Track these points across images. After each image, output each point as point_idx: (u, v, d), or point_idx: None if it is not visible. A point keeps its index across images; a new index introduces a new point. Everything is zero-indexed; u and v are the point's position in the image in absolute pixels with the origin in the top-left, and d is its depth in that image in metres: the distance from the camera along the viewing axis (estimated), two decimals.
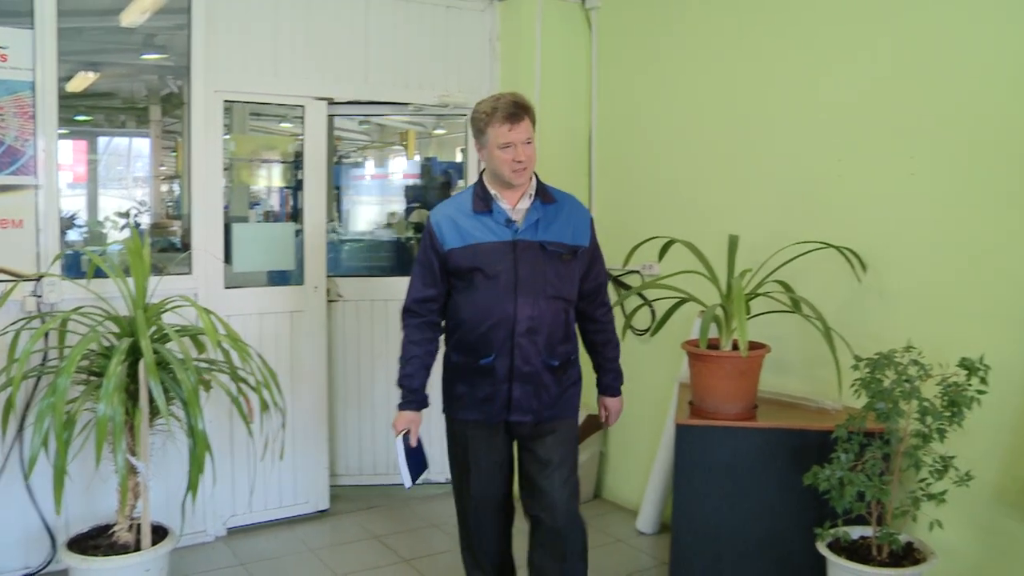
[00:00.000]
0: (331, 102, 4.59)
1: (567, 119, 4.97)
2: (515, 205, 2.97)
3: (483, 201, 2.95)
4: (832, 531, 3.14)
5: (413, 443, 3.01)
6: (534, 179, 3.00)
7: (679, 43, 4.49)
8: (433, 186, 6.30)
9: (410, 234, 5.95)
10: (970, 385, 2.92)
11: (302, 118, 4.53)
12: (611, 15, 4.89)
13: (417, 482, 3.01)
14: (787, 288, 3.65)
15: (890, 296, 3.52)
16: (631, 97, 4.81)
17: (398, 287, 4.89)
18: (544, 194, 3.01)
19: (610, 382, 3.27)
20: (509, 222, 2.93)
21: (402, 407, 3.05)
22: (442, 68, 4.89)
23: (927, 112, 3.37)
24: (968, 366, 2.92)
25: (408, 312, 3.06)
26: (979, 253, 3.22)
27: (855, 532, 3.16)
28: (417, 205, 6.15)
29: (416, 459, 3.03)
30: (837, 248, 3.60)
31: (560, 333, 2.99)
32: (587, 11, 4.97)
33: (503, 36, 4.98)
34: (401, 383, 3.05)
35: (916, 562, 3.04)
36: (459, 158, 5.88)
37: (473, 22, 4.96)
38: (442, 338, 3.12)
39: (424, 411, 3.10)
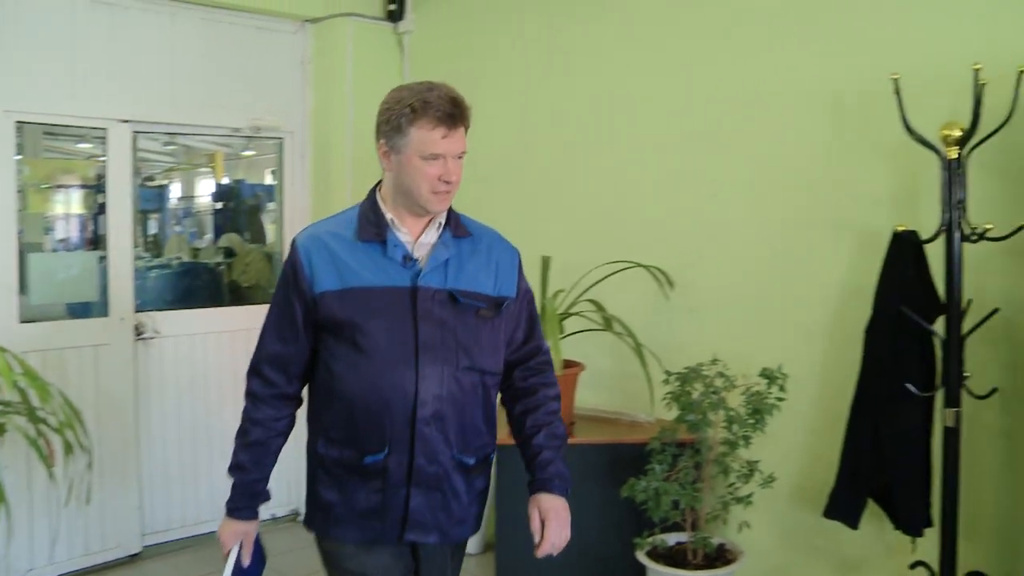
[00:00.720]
0: (135, 122, 4.39)
1: None
2: (418, 238, 2.13)
3: (374, 226, 2.11)
4: (650, 539, 3.28)
5: (247, 560, 2.19)
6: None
7: (491, 68, 4.58)
8: (242, 209, 6.13)
9: (219, 259, 5.75)
10: (771, 393, 3.12)
11: (103, 139, 4.30)
12: (423, 39, 4.93)
13: None
14: (599, 307, 3.79)
15: (696, 312, 3.72)
16: None
17: (211, 319, 4.77)
18: (457, 225, 2.19)
19: (557, 471, 2.20)
20: (408, 260, 2.09)
21: (231, 513, 2.17)
22: (253, 91, 4.77)
23: (726, 136, 3.61)
24: (768, 375, 3.13)
25: (254, 375, 2.18)
26: (775, 269, 3.46)
27: (671, 539, 3.31)
28: (226, 230, 5.96)
29: None
30: (646, 267, 3.77)
31: (478, 419, 2.17)
32: (400, 35, 4.99)
33: (315, 59, 4.92)
34: (232, 475, 2.18)
35: (728, 562, 3.21)
36: (268, 180, 5.74)
37: (284, 44, 4.88)
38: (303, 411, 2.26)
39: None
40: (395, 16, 4.95)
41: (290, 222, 5.02)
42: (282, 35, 4.86)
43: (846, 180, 3.24)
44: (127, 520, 4.40)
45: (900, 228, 2.84)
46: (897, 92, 2.76)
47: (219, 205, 6.39)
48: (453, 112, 2.03)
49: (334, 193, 4.81)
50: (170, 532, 4.63)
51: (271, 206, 5.66)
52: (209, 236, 6.16)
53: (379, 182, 2.19)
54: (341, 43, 4.81)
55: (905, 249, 2.83)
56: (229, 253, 5.77)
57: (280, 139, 4.97)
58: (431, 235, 2.15)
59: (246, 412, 2.18)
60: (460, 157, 2.09)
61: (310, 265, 2.09)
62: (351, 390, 2.06)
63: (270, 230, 5.58)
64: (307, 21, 4.88)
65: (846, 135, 3.24)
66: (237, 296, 5.27)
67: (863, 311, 2.94)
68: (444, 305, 2.08)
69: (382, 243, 2.09)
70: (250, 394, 2.18)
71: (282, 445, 2.21)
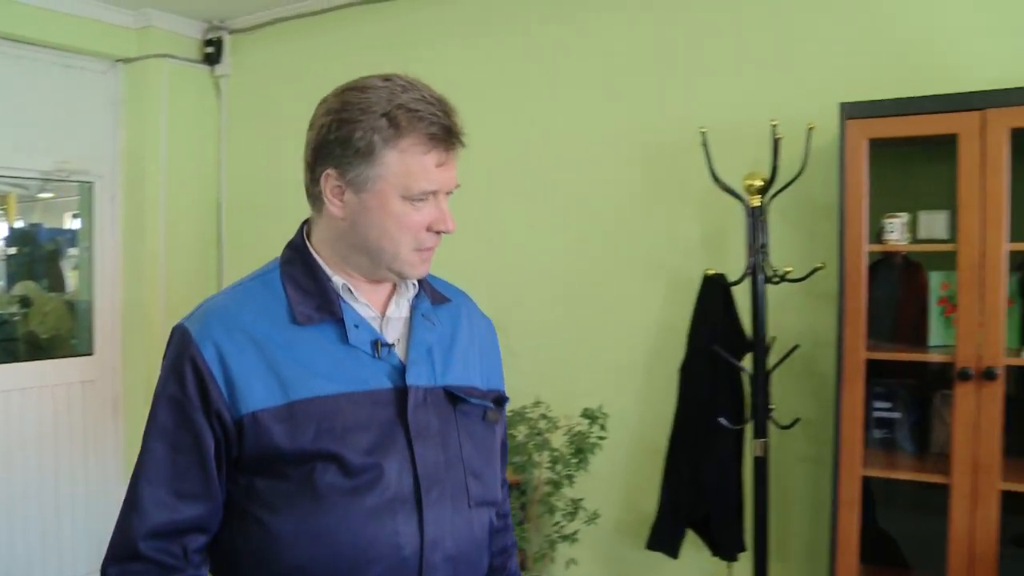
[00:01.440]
0: None
1: (196, 189, 4.80)
2: (385, 310, 1.44)
3: (316, 298, 1.39)
4: None
5: None
6: None
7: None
8: (39, 255, 5.78)
9: (14, 309, 5.38)
10: (592, 432, 3.23)
11: None
12: (241, 83, 4.85)
13: None
14: None
15: (518, 355, 3.78)
16: (263, 165, 4.77)
17: (11, 376, 4.40)
18: (432, 290, 1.54)
19: None
20: (380, 347, 1.38)
21: None
22: (60, 131, 4.51)
23: (542, 184, 3.74)
24: (590, 415, 3.24)
25: (128, 561, 1.28)
26: (593, 312, 3.60)
27: None
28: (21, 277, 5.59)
29: None
30: None
31: (486, 565, 1.48)
32: (216, 78, 4.89)
33: (127, 100, 4.73)
34: None
35: None
36: (69, 224, 5.45)
37: (95, 84, 4.66)
38: None
39: None
40: (212, 59, 4.85)
41: (100, 268, 4.78)
42: (92, 74, 4.65)
43: (659, 225, 3.43)
44: None
45: (710, 271, 3.04)
46: (704, 144, 2.97)
47: (12, 250, 6.00)
48: (450, 125, 1.39)
49: (146, 236, 4.62)
50: None
51: (72, 252, 5.37)
52: (1, 284, 5.76)
53: (304, 226, 1.50)
54: (155, 85, 4.65)
55: (714, 290, 3.02)
56: (25, 302, 5.41)
57: (90, 182, 4.74)
58: (402, 306, 1.46)
59: None
60: (450, 194, 1.44)
61: (224, 371, 1.30)
62: (309, 559, 1.28)
63: (71, 277, 5.29)
64: (119, 61, 4.70)
65: (659, 183, 3.44)
66: (35, 349, 4.94)
67: (678, 349, 3.11)
68: (442, 411, 1.39)
69: (336, 321, 1.37)
70: None
71: None
